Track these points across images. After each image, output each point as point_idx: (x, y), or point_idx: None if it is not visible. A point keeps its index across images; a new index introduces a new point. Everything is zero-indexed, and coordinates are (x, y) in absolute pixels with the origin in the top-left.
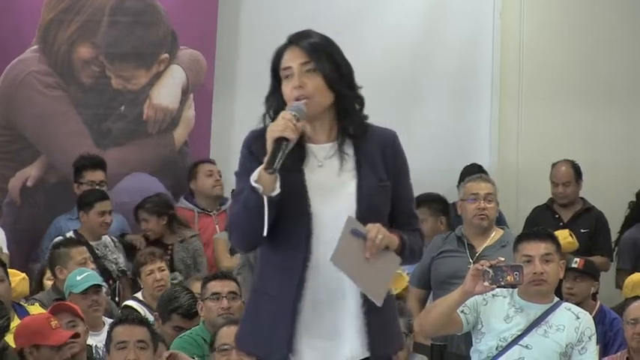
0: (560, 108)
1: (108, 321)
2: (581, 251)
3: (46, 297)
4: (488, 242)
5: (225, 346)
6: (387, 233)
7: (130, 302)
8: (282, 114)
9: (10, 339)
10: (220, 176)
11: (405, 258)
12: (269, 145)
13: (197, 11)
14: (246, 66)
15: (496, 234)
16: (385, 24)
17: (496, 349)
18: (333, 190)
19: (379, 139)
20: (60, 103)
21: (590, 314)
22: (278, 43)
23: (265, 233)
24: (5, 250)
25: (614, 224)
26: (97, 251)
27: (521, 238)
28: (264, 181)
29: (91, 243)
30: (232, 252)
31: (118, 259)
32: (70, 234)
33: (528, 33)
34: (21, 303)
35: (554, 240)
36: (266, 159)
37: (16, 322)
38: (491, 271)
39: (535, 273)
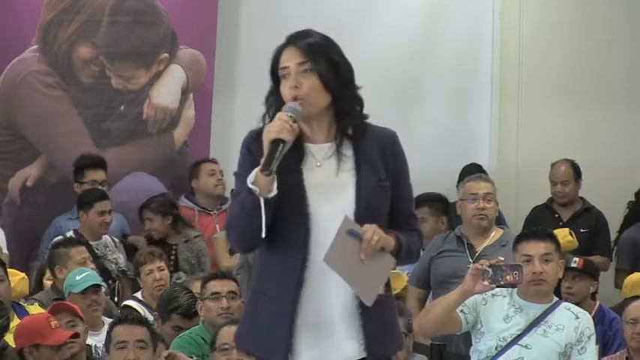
0: (560, 108)
1: (107, 321)
2: (580, 251)
3: (46, 297)
4: (487, 242)
5: (226, 346)
6: (383, 234)
7: (129, 302)
8: (278, 115)
9: (9, 339)
10: (222, 176)
11: (402, 259)
12: (265, 147)
13: (197, 11)
14: (246, 66)
15: (496, 234)
16: (385, 24)
17: (495, 348)
18: (332, 190)
19: (379, 139)
20: (60, 103)
21: (590, 314)
22: (278, 42)
23: (264, 235)
24: (5, 250)
25: (614, 224)
26: (96, 251)
27: (520, 238)
28: (261, 182)
29: (91, 243)
30: (232, 252)
31: (117, 259)
32: (69, 234)
33: (528, 33)
34: (20, 303)
35: (554, 240)
36: (262, 161)
37: (15, 321)
38: (490, 270)
39: (534, 273)
